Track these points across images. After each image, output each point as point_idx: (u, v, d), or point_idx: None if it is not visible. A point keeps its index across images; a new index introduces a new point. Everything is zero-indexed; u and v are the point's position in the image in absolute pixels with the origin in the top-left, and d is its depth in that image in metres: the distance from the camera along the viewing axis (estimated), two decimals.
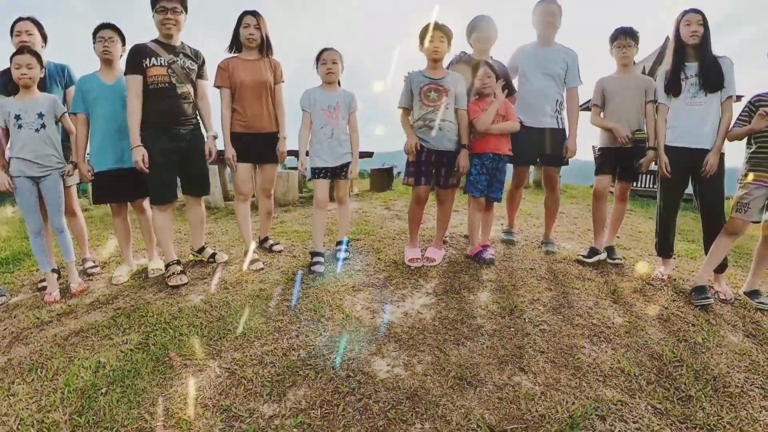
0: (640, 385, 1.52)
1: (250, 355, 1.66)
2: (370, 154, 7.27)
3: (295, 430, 1.28)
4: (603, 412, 1.37)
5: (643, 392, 1.48)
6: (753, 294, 2.38)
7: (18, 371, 1.66)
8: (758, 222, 2.30)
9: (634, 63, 7.65)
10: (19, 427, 1.36)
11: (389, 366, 1.59)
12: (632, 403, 1.41)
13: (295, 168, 5.92)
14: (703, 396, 1.47)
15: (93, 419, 1.36)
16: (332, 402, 1.39)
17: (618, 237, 3.65)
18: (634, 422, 1.34)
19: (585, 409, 1.37)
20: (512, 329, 1.84)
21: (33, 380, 1.59)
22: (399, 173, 16.28)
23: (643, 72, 9.06)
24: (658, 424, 1.33)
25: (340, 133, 2.56)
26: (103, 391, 1.49)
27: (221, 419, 1.34)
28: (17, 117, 2.29)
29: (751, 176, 2.28)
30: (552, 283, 2.40)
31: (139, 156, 2.32)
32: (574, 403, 1.40)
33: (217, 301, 2.16)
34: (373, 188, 7.40)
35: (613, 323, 1.94)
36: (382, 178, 7.44)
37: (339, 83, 2.67)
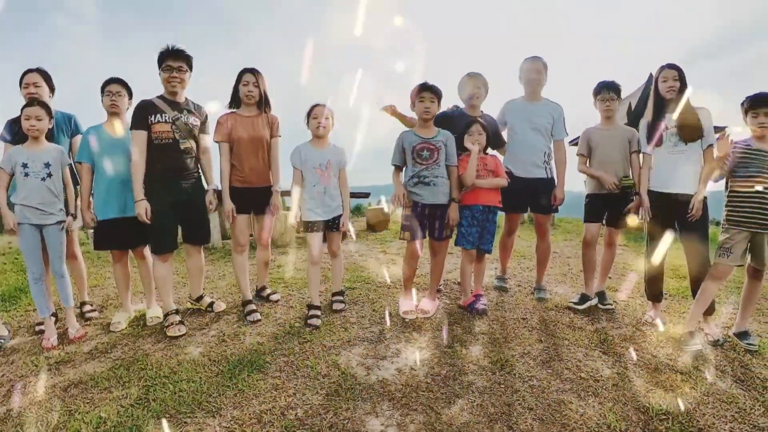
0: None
1: (249, 414, 1.74)
2: (366, 194, 7.48)
3: None
4: None
5: None
6: (742, 335, 2.49)
7: (17, 423, 1.73)
8: (742, 265, 2.46)
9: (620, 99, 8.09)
10: None
11: (383, 426, 1.67)
12: None
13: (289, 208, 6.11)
14: None
15: None
16: None
17: (610, 277, 3.80)
18: None
19: None
20: (502, 385, 1.93)
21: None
22: (388, 200, 16.49)
23: (629, 108, 9.50)
24: None
25: (332, 188, 2.72)
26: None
27: None
28: (24, 165, 2.44)
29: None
30: (543, 334, 2.50)
31: (142, 209, 2.46)
32: None
33: (216, 355, 2.24)
34: (370, 228, 7.55)
35: (601, 376, 2.04)
36: (378, 218, 7.60)
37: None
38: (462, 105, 3.15)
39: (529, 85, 3.11)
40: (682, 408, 1.82)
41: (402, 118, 3.18)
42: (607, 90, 2.94)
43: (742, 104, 2.50)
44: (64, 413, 1.79)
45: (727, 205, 2.48)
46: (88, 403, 1.86)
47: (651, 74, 9.69)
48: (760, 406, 1.85)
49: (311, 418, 1.70)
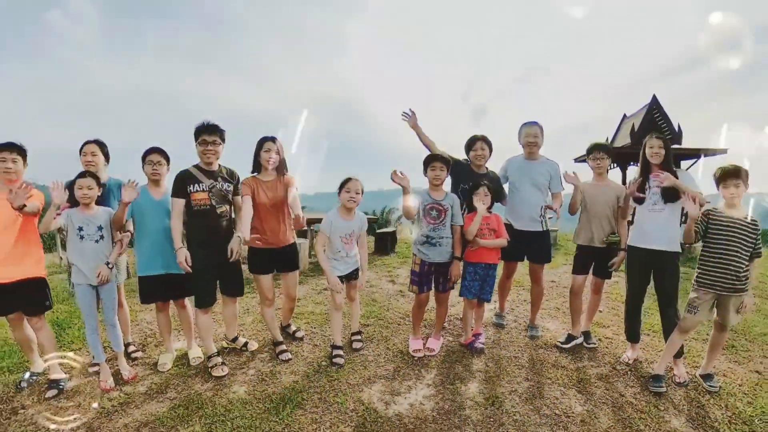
0: None
1: None
2: (375, 220, 8.15)
3: None
4: None
5: None
6: (706, 377, 3.03)
7: None
8: (708, 320, 3.02)
9: (626, 116, 8.86)
10: None
11: None
12: None
13: (305, 237, 6.77)
14: None
15: None
16: None
17: (600, 311, 4.42)
18: None
19: None
20: (492, 419, 2.55)
21: None
22: (399, 218, 17.31)
23: (632, 129, 10.13)
24: None
25: (353, 251, 3.31)
26: None
27: None
28: (80, 229, 2.89)
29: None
30: (530, 372, 3.13)
31: (182, 257, 2.93)
32: None
33: (260, 393, 2.87)
34: (377, 251, 8.20)
35: (573, 412, 2.65)
36: (385, 242, 8.26)
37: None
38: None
39: (528, 147, 3.72)
40: None
41: (419, 133, 3.75)
42: (598, 150, 3.51)
43: (715, 175, 2.88)
44: None
45: (698, 267, 2.90)
46: None
47: (654, 95, 10.35)
48: None
49: None
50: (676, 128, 10.08)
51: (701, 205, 2.87)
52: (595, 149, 3.54)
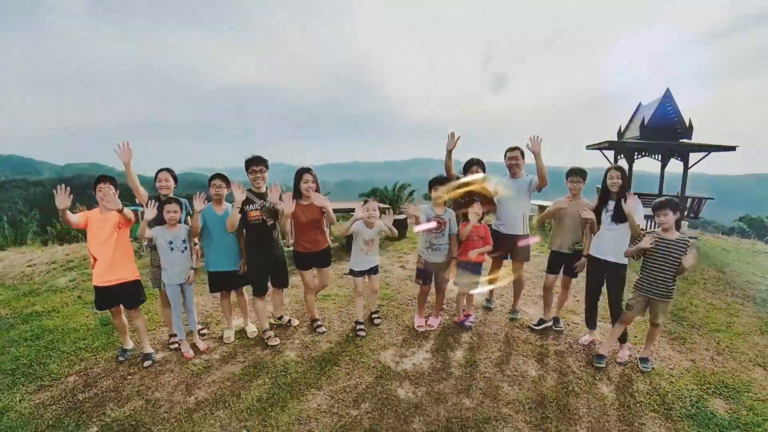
0: (525, 408, 3.56)
1: (338, 388, 3.74)
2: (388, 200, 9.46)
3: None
4: (498, 419, 3.44)
5: (525, 413, 3.53)
6: (642, 360, 4.23)
7: (204, 405, 3.63)
8: (641, 316, 4.15)
9: (641, 105, 10.14)
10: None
11: (405, 392, 3.68)
12: (517, 416, 3.47)
13: None
14: (557, 418, 3.51)
15: (270, 410, 3.48)
16: (383, 403, 3.51)
17: (577, 300, 5.70)
18: (516, 429, 3.38)
19: (486, 413, 3.45)
20: (468, 375, 3.92)
21: (218, 412, 3.68)
22: (411, 194, 18.76)
23: (642, 122, 11.06)
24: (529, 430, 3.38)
25: (373, 251, 4.62)
26: (278, 399, 3.62)
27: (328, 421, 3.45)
28: (170, 243, 4.11)
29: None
30: (504, 345, 4.48)
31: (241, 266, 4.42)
32: (484, 412, 3.47)
33: (305, 355, 4.27)
34: (390, 237, 9.55)
35: (528, 375, 3.99)
36: (397, 229, 9.59)
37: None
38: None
39: (511, 168, 4.92)
40: (566, 398, 3.76)
41: (450, 154, 4.74)
42: (575, 174, 4.56)
43: (653, 207, 3.89)
44: (232, 396, 3.71)
45: (639, 274, 4.04)
46: (243, 389, 3.80)
47: (668, 89, 11.18)
48: (619, 404, 3.66)
49: (370, 388, 3.72)
50: (687, 123, 10.97)
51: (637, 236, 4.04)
52: (572, 173, 4.60)
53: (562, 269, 4.83)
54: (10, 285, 7.21)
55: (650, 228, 9.30)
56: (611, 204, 4.28)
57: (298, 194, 4.50)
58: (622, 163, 11.55)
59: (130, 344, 4.49)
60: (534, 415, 3.50)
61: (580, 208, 4.48)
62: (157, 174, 4.51)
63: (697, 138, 11.08)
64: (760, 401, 3.79)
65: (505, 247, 4.96)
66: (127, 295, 4.19)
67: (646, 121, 11.03)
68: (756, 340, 4.97)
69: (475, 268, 4.70)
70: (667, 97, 11.12)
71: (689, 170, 11.38)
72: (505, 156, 4.98)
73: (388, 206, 10.61)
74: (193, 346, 4.48)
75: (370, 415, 3.48)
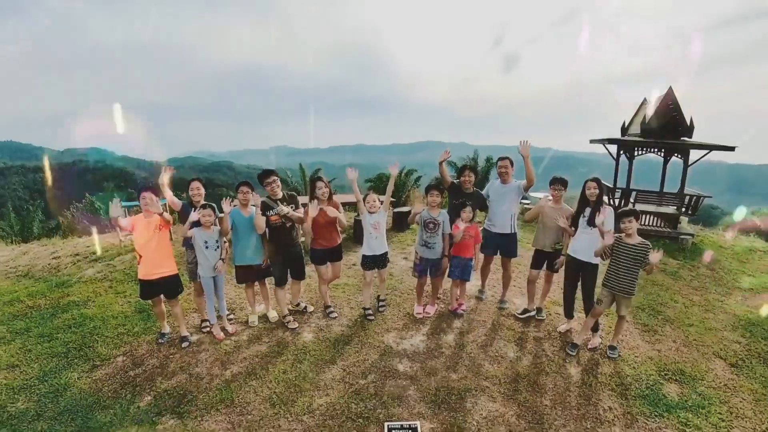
0: (501, 382, 4.48)
1: (349, 363, 4.70)
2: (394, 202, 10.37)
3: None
4: (477, 389, 4.38)
5: (500, 386, 4.44)
6: (611, 348, 5.10)
7: (238, 377, 4.64)
8: (608, 308, 5.03)
9: (645, 100, 10.92)
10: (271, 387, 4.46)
11: (403, 367, 4.63)
12: (493, 388, 4.39)
13: None
14: (526, 391, 4.42)
15: (298, 382, 4.46)
16: (385, 375, 4.47)
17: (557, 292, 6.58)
18: (491, 398, 4.32)
19: (468, 384, 4.40)
20: (456, 354, 4.86)
21: (250, 382, 4.68)
22: (416, 180, 19.71)
23: (644, 120, 11.70)
24: (502, 403, 4.29)
25: (381, 235, 5.49)
26: (300, 371, 4.59)
27: (344, 385, 4.43)
28: (206, 242, 5.10)
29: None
30: (490, 331, 5.41)
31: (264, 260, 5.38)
32: (466, 384, 4.42)
33: (321, 337, 5.23)
34: (395, 228, 10.48)
35: (507, 355, 4.91)
36: (401, 220, 10.50)
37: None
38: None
39: (501, 176, 5.79)
40: (537, 375, 4.68)
41: (443, 168, 5.82)
42: (557, 183, 5.40)
43: (617, 215, 4.78)
44: (261, 369, 4.69)
45: (605, 273, 4.91)
46: (270, 364, 4.78)
47: (670, 87, 11.79)
48: (582, 383, 4.52)
49: (375, 364, 4.68)
50: (688, 122, 11.58)
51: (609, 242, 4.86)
52: (554, 182, 5.44)
53: (544, 265, 5.70)
54: (41, 277, 7.96)
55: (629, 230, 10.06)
56: (587, 211, 5.11)
57: (313, 198, 5.41)
58: (623, 160, 12.27)
59: (167, 329, 5.44)
60: (507, 388, 4.44)
61: (559, 215, 5.34)
62: (189, 183, 5.40)
63: (700, 134, 11.59)
64: (712, 389, 4.57)
65: (496, 244, 5.85)
66: (168, 287, 5.13)
67: (647, 119, 11.67)
68: (725, 335, 5.74)
69: (465, 263, 5.60)
70: (670, 95, 11.70)
71: (695, 164, 11.67)
72: (496, 164, 5.84)
73: (393, 199, 11.44)
74: (223, 330, 5.44)
75: (375, 384, 4.45)
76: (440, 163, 5.77)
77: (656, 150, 12.71)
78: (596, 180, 5.10)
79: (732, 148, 11.29)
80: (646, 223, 11.20)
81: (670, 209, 11.62)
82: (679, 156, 12.20)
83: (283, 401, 4.24)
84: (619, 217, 4.76)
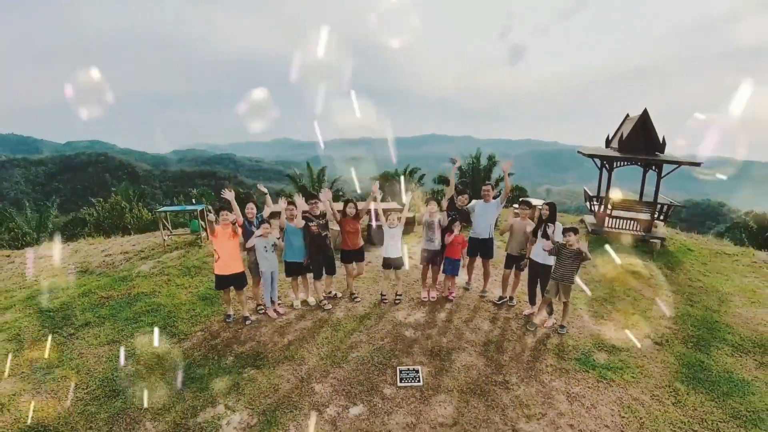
0: (476, 344, 6.78)
1: (373, 331, 7.05)
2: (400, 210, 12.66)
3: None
4: (459, 348, 6.68)
5: (476, 347, 6.73)
6: (561, 327, 7.33)
7: (294, 342, 7.01)
8: (554, 297, 7.34)
9: (628, 116, 13.51)
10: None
11: (410, 333, 6.98)
12: (470, 348, 6.68)
13: None
14: (494, 350, 6.73)
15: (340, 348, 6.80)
16: (396, 339, 6.82)
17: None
18: (469, 354, 6.63)
19: (454, 345, 6.73)
20: (446, 327, 7.21)
21: (303, 345, 7.02)
22: (421, 178, 22.14)
23: (621, 138, 13.87)
24: (476, 357, 6.60)
25: (396, 242, 7.81)
26: (337, 337, 6.94)
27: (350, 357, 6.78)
28: (265, 247, 7.38)
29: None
30: (471, 312, 7.74)
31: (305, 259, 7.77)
32: (452, 345, 6.75)
33: (350, 316, 7.57)
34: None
35: (482, 329, 7.20)
36: (407, 225, 12.81)
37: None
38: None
39: (483, 197, 8.12)
40: (500, 345, 7.00)
41: (452, 178, 8.32)
42: (523, 204, 7.70)
43: (562, 230, 7.23)
44: (309, 337, 7.01)
45: (553, 268, 7.23)
46: (315, 333, 7.09)
47: (645, 109, 13.96)
48: (534, 348, 6.80)
49: (389, 331, 7.04)
50: (661, 139, 13.68)
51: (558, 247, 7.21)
52: (521, 204, 7.76)
53: (514, 265, 8.01)
54: (102, 272, 9.60)
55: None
56: (542, 225, 7.42)
57: (344, 214, 7.79)
58: (603, 172, 14.44)
59: (231, 311, 7.68)
60: (480, 348, 6.77)
61: (524, 229, 7.68)
62: (246, 205, 7.62)
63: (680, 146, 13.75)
64: (632, 357, 6.61)
65: (477, 249, 8.19)
66: (237, 280, 7.39)
67: (623, 136, 13.85)
68: (660, 322, 7.70)
69: (454, 262, 7.93)
70: (644, 116, 13.83)
71: (694, 167, 13.70)
72: (482, 189, 8.15)
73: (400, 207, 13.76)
74: (275, 311, 7.77)
75: (390, 344, 6.80)
76: (449, 179, 8.24)
77: (633, 163, 14.90)
78: (549, 203, 7.38)
79: (698, 164, 13.41)
80: (622, 227, 13.43)
81: (645, 215, 13.77)
82: (654, 168, 14.37)
83: (328, 356, 6.57)
84: (563, 232, 7.02)
